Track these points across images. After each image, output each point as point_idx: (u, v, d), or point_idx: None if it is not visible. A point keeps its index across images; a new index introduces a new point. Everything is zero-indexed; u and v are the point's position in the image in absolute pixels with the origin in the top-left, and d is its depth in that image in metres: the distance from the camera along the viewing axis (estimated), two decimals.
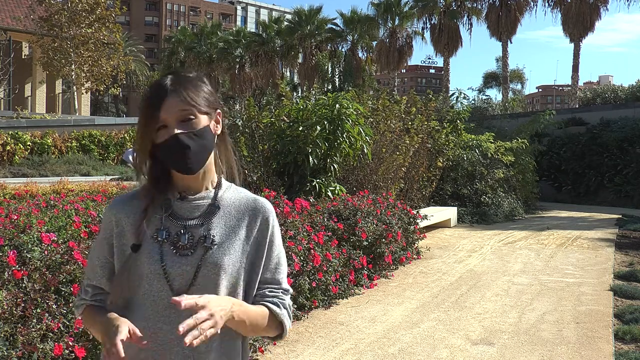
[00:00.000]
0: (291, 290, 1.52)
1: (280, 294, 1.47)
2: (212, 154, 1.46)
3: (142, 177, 1.47)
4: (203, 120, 1.40)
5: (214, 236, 1.41)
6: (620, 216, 13.47)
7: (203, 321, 1.24)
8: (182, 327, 1.22)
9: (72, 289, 3.29)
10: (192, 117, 1.38)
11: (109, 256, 1.45)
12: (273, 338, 1.50)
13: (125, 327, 1.28)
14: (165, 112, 1.36)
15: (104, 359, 1.28)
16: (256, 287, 1.45)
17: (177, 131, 1.36)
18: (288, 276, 4.74)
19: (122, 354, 1.23)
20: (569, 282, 6.71)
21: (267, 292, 1.45)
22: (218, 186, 1.48)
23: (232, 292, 1.41)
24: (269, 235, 1.48)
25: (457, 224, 11.66)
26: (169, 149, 1.37)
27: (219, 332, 1.28)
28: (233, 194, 1.49)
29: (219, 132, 1.47)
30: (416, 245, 8.23)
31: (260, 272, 1.46)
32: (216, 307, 1.27)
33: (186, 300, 1.24)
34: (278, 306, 1.44)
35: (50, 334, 3.08)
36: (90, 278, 1.48)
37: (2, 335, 2.91)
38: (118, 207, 1.46)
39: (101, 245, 1.47)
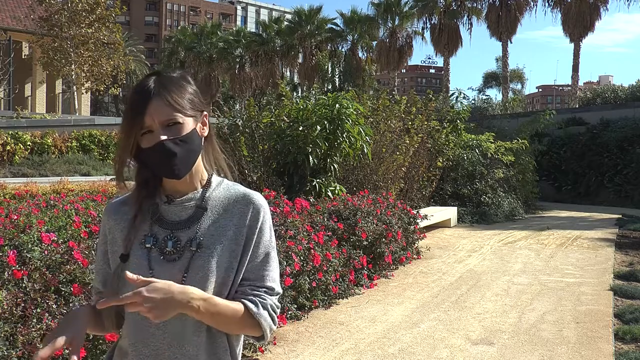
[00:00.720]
0: (278, 290, 1.43)
1: (263, 292, 1.39)
2: (200, 155, 1.42)
3: (121, 179, 1.44)
4: (189, 123, 1.36)
5: (200, 239, 1.37)
6: (620, 216, 13.46)
7: (128, 302, 1.21)
8: (99, 304, 1.24)
9: (72, 288, 3.30)
10: (177, 121, 1.34)
11: (103, 261, 1.47)
12: (257, 339, 1.41)
13: (59, 341, 1.24)
14: (149, 117, 1.32)
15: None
16: (238, 283, 1.39)
17: (162, 137, 1.32)
18: (288, 276, 4.76)
19: None
20: (569, 282, 6.71)
21: (247, 290, 1.38)
22: (207, 185, 1.44)
23: (220, 293, 1.36)
24: (257, 231, 1.41)
25: (457, 224, 11.66)
26: (154, 155, 1.33)
27: (158, 320, 1.25)
28: (222, 191, 1.45)
29: (205, 134, 1.44)
30: (416, 245, 8.23)
31: (244, 269, 1.39)
32: (154, 294, 1.22)
33: (132, 275, 1.23)
34: (256, 305, 1.36)
35: None
36: (94, 280, 1.52)
37: (2, 335, 2.91)
38: (109, 213, 1.46)
39: (98, 250, 1.50)
